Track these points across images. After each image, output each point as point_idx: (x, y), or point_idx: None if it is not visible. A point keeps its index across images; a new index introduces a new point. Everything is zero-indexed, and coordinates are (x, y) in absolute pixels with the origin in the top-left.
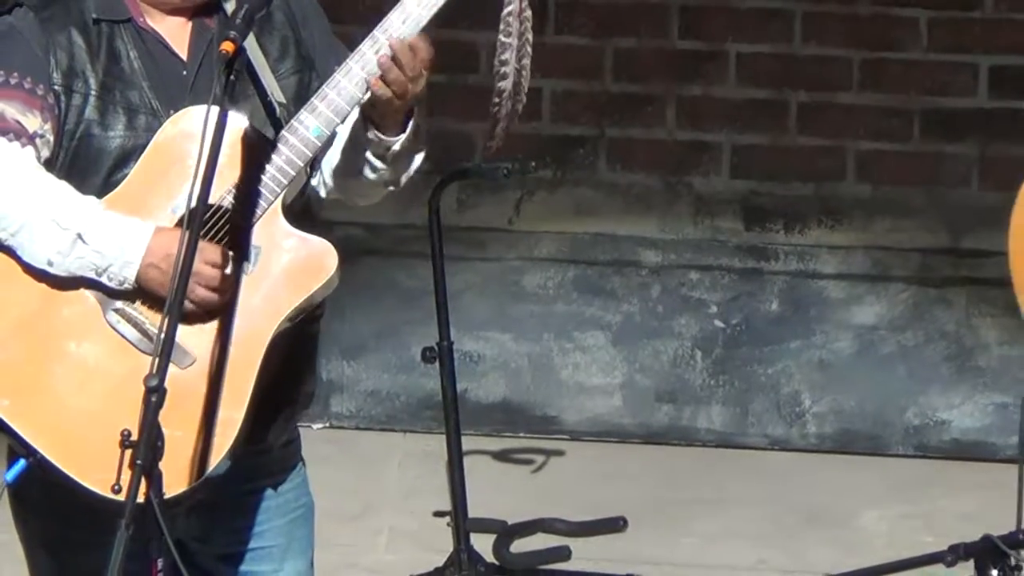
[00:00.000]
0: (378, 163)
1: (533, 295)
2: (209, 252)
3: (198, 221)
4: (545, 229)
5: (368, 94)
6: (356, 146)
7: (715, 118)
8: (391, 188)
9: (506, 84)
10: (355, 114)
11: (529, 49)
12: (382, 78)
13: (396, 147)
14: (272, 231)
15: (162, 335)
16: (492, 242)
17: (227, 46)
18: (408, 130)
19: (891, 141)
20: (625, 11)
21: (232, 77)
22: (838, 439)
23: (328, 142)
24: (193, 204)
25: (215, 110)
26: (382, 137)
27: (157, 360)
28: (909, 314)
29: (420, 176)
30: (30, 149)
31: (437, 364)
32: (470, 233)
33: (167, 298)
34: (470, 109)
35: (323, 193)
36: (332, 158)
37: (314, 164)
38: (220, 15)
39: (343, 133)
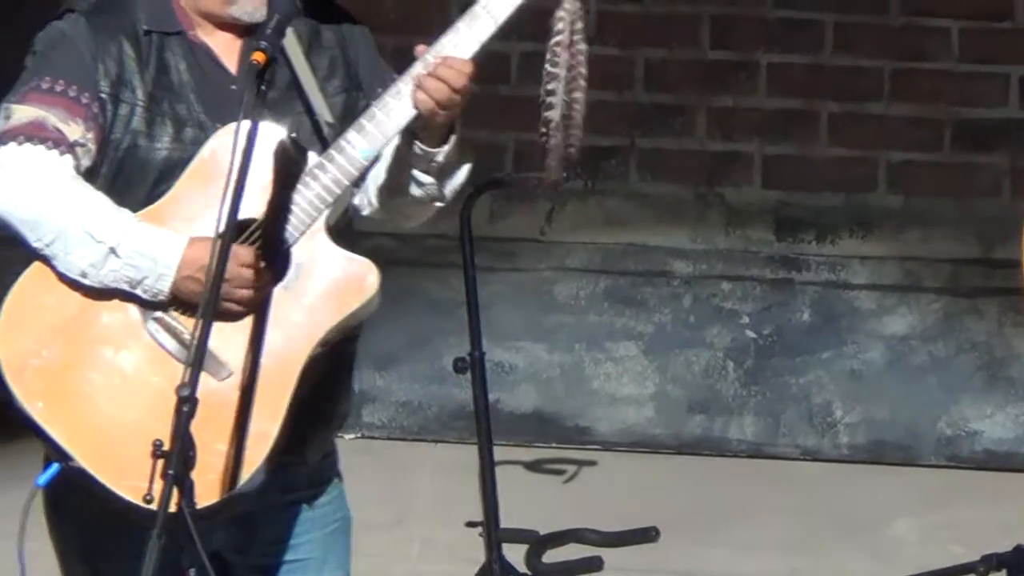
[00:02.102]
0: (424, 177)
1: (565, 305)
2: (242, 254)
3: (230, 229)
4: (576, 240)
5: (416, 114)
6: (400, 163)
7: (746, 128)
8: (437, 204)
9: (553, 115)
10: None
11: (583, 82)
12: (422, 87)
13: (441, 159)
14: (314, 248)
15: (195, 344)
16: (524, 253)
17: (258, 56)
18: (451, 142)
19: (922, 151)
20: (656, 21)
21: (263, 87)
22: (870, 449)
23: (375, 160)
24: (225, 214)
25: (246, 123)
26: (427, 150)
27: (189, 370)
28: (940, 324)
29: None
30: (68, 158)
31: (469, 374)
32: (502, 244)
33: (200, 303)
34: (502, 119)
35: (366, 212)
36: (378, 176)
37: (359, 182)
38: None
39: (388, 151)
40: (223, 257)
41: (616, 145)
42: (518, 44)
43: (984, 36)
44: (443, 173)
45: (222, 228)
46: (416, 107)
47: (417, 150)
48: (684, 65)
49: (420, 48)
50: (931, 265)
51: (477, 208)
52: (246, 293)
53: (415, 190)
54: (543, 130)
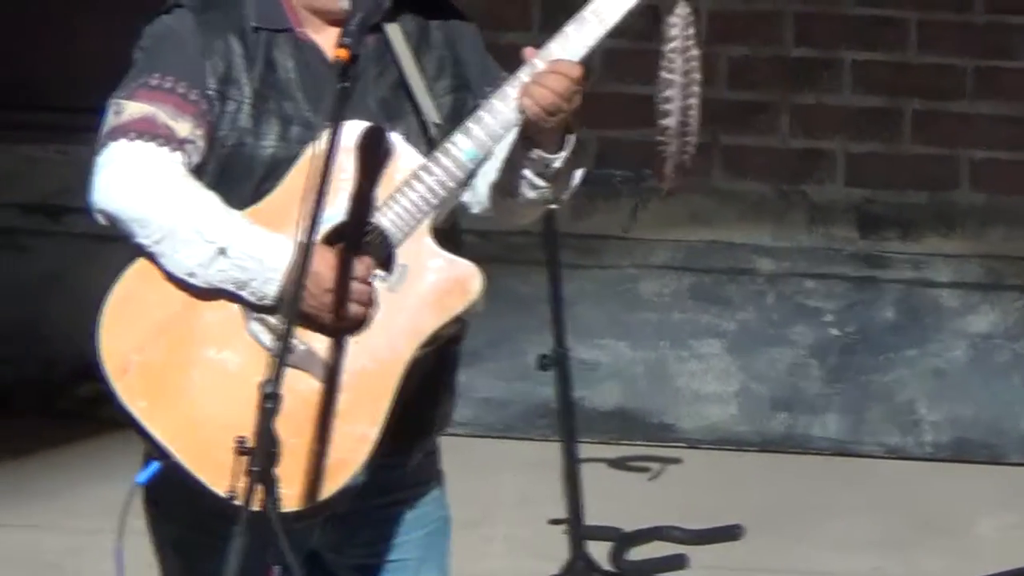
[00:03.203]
0: (539, 181)
1: (648, 303)
2: (360, 268)
3: (314, 232)
4: (660, 237)
5: (523, 118)
6: (514, 165)
7: (829, 126)
8: (552, 207)
9: (669, 122)
10: (512, 135)
11: (697, 88)
12: (528, 93)
13: (556, 164)
14: (419, 250)
15: (281, 342)
16: (607, 250)
17: (341, 53)
18: (567, 148)
19: (1006, 149)
20: (739, 19)
21: (347, 84)
22: (954, 447)
23: (481, 162)
24: (314, 216)
25: (355, 122)
26: (543, 155)
27: (275, 367)
28: None
29: None
30: (179, 155)
31: (553, 372)
32: (585, 241)
33: (292, 314)
34: (584, 116)
35: (475, 211)
36: (490, 175)
37: (464, 184)
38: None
39: (501, 152)
40: (309, 259)
41: (699, 142)
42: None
43: None
44: (558, 178)
45: (316, 230)
46: (522, 112)
47: (533, 155)
48: (767, 62)
49: (528, 51)
50: (1015, 263)
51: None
52: (360, 309)
53: (529, 192)
54: (660, 138)
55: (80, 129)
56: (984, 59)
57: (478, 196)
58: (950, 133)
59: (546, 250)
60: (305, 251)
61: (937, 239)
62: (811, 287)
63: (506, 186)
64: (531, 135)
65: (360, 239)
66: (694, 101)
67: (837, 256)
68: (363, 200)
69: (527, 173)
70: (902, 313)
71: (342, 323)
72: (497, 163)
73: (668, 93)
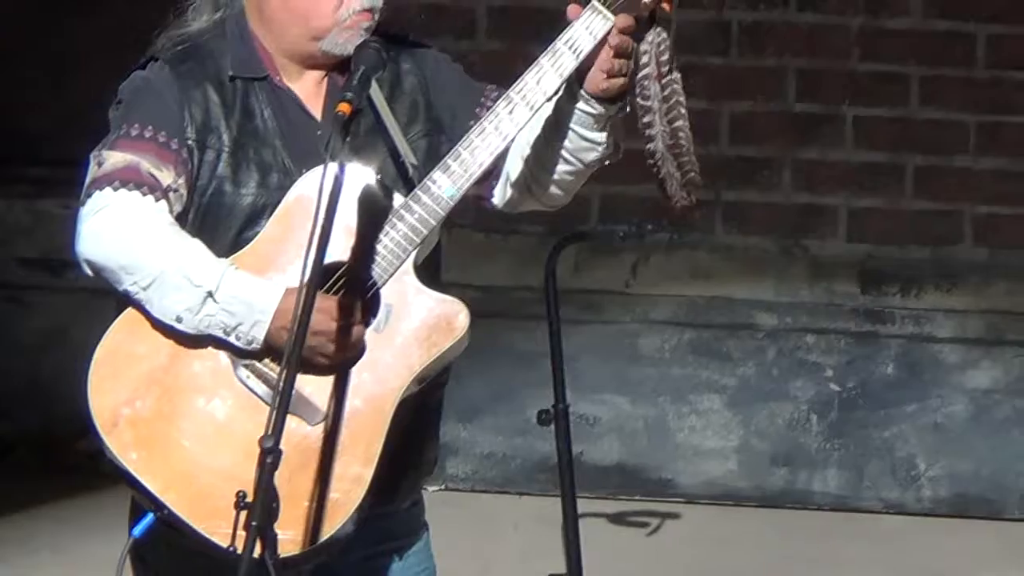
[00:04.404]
0: (600, 136)
1: (649, 358)
2: (344, 309)
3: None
4: (661, 292)
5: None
6: (556, 138)
7: (831, 181)
8: (608, 162)
9: (654, 146)
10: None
11: (683, 110)
12: (610, 75)
13: (626, 109)
14: (403, 289)
15: (279, 396)
16: (608, 305)
17: (343, 107)
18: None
19: (1008, 205)
20: (741, 74)
21: (348, 138)
22: (953, 503)
23: (462, 200)
24: (311, 262)
25: (332, 168)
26: (609, 106)
27: (274, 421)
28: None
29: (536, 239)
30: (163, 203)
31: (553, 427)
32: (586, 296)
33: (284, 355)
34: None
35: (501, 204)
36: (515, 168)
37: (445, 222)
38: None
39: (524, 144)
40: (308, 305)
41: (701, 198)
42: None
43: None
44: (619, 125)
45: (307, 275)
46: (599, 92)
47: (597, 109)
48: (770, 118)
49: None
50: (1016, 319)
51: (562, 260)
52: (332, 348)
53: (591, 155)
54: (650, 162)
55: (81, 183)
56: (986, 115)
57: (504, 189)
58: (952, 188)
59: (547, 305)
60: (304, 295)
61: (938, 295)
62: (812, 342)
63: (545, 165)
64: (597, 95)
65: (357, 280)
66: (681, 123)
67: (838, 311)
68: (359, 247)
69: (587, 134)
70: (903, 368)
71: (336, 366)
72: (521, 154)
73: (647, 119)
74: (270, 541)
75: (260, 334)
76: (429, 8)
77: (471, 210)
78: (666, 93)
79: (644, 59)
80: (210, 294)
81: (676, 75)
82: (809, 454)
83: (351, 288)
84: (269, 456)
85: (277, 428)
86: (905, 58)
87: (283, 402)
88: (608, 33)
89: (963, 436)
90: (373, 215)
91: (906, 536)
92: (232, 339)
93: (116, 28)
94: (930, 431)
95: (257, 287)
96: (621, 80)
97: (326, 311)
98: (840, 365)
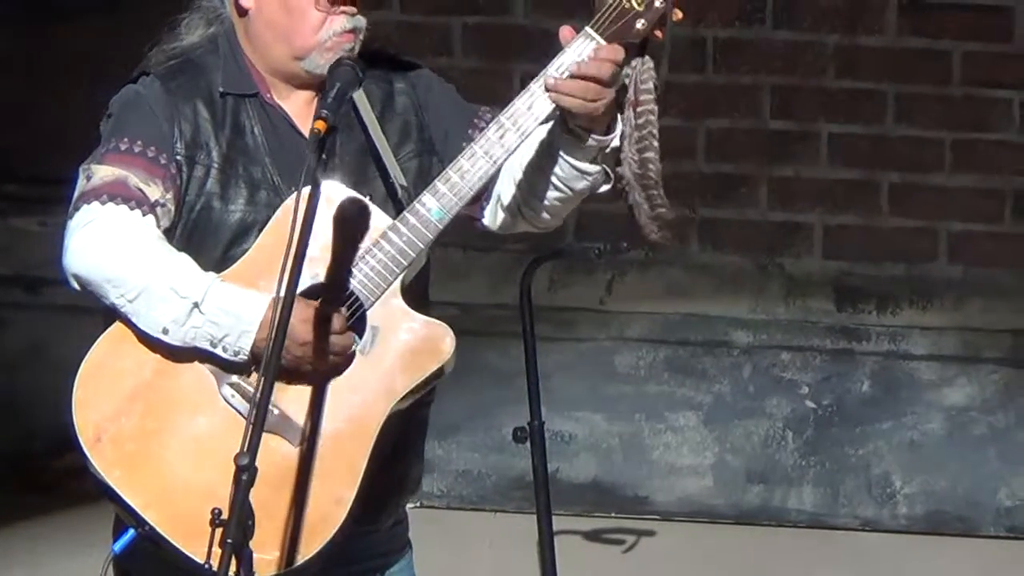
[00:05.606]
0: (591, 167)
1: (624, 375)
2: (336, 321)
3: (291, 294)
4: (637, 309)
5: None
6: (547, 166)
7: (807, 199)
8: (602, 190)
9: (623, 171)
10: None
11: (655, 143)
12: (561, 91)
13: (614, 142)
14: (390, 312)
15: (255, 412)
16: (584, 322)
17: (318, 124)
18: (617, 126)
19: (983, 222)
20: (717, 92)
21: (323, 155)
22: (929, 520)
23: (449, 222)
24: (287, 278)
25: (307, 188)
26: (599, 138)
27: (249, 438)
28: (1000, 396)
29: (512, 256)
30: (151, 218)
31: (528, 444)
32: (562, 313)
33: (270, 368)
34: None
35: (493, 226)
36: (506, 192)
37: (433, 245)
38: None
39: (516, 168)
40: (284, 321)
41: (676, 212)
42: None
43: None
44: (610, 156)
45: (284, 291)
46: (563, 109)
47: (591, 142)
48: (746, 135)
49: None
50: (991, 336)
51: (537, 278)
52: (317, 356)
53: (580, 184)
54: (618, 186)
55: (60, 201)
56: (962, 132)
57: (496, 213)
58: (927, 206)
59: (522, 323)
60: (281, 306)
61: (914, 312)
62: (787, 360)
63: (536, 190)
64: (585, 126)
65: (338, 293)
66: (651, 155)
67: (814, 329)
68: (339, 261)
69: (577, 164)
70: (878, 386)
71: (323, 375)
72: (513, 179)
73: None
74: (246, 559)
75: (246, 345)
76: (405, 26)
77: (456, 229)
78: (639, 122)
79: (625, 82)
80: (196, 305)
81: (654, 107)
82: (785, 471)
83: (335, 300)
84: (244, 473)
85: (253, 445)
86: (880, 76)
87: (259, 418)
88: None
89: (939, 453)
90: (358, 235)
91: (881, 553)
92: (219, 351)
93: (92, 46)
94: (906, 448)
95: (243, 299)
96: (595, 105)
97: (308, 320)
98: (816, 382)
